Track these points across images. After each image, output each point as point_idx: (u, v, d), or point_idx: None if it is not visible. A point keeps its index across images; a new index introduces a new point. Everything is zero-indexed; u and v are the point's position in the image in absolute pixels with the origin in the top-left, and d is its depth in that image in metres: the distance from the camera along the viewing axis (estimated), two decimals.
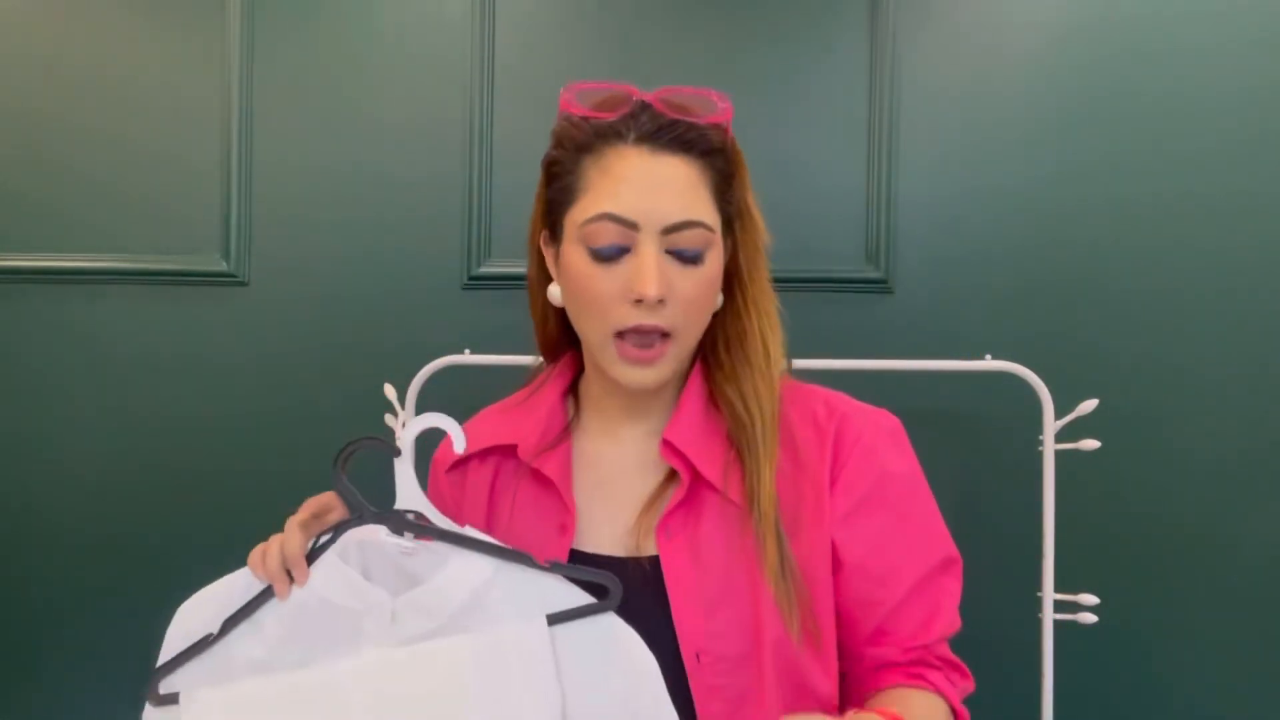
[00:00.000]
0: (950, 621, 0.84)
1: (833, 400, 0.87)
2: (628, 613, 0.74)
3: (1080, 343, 1.58)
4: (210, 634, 0.78)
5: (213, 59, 1.63)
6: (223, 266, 1.62)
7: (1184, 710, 1.59)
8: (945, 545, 0.85)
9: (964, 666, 0.87)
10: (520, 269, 1.60)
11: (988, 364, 1.42)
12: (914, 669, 0.83)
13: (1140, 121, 1.59)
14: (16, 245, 1.63)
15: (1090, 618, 1.38)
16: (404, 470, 0.78)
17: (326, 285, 1.62)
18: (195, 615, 0.80)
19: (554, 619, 0.74)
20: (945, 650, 0.86)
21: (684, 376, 0.87)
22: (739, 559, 0.80)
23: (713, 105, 0.81)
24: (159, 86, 1.63)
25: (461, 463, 0.91)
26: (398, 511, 0.77)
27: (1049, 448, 1.41)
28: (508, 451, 0.88)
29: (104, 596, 1.63)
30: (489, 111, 1.62)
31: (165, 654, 0.80)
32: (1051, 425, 1.40)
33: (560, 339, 0.93)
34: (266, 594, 0.78)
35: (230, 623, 0.78)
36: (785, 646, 0.78)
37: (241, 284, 1.63)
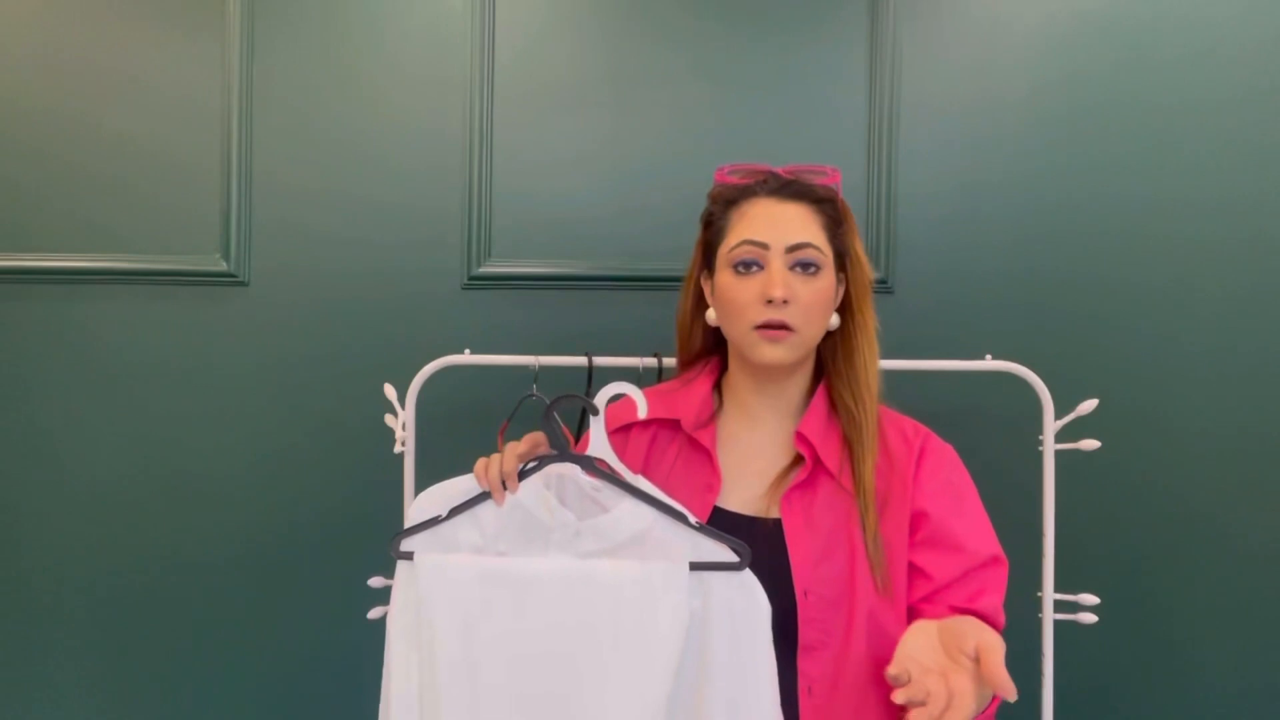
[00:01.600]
0: (994, 605, 1.06)
1: (917, 424, 1.16)
2: (755, 560, 0.98)
3: (1080, 343, 1.58)
4: (439, 515, 1.02)
5: (213, 59, 1.63)
6: (223, 266, 1.62)
7: (1184, 710, 1.59)
8: (996, 546, 1.10)
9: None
10: (520, 269, 1.62)
11: (988, 364, 1.42)
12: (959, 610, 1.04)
13: (1140, 121, 1.59)
14: (16, 245, 1.63)
15: (1090, 618, 1.38)
16: (597, 426, 1.00)
17: (326, 285, 1.62)
18: (431, 500, 1.04)
19: (695, 566, 0.97)
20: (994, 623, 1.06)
21: (813, 385, 1.15)
22: (842, 529, 1.06)
23: (823, 173, 1.12)
24: (159, 86, 1.63)
25: (624, 429, 1.17)
26: (590, 457, 1.00)
27: (1049, 448, 1.41)
28: (665, 423, 1.16)
29: (104, 596, 1.63)
30: (489, 111, 1.62)
31: (408, 523, 1.03)
32: (1051, 425, 1.40)
33: (703, 351, 1.20)
34: (484, 496, 1.01)
35: (455, 510, 1.02)
36: (870, 596, 1.04)
37: (241, 284, 1.63)
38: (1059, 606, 1.41)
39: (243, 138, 1.62)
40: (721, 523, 1.07)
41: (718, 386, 1.19)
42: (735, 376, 1.16)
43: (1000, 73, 1.60)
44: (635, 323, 1.58)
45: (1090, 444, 1.38)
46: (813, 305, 1.07)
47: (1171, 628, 1.58)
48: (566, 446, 1.01)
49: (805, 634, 1.03)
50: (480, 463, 1.03)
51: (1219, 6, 1.58)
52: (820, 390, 1.13)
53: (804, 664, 1.03)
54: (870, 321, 1.13)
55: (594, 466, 1.00)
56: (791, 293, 1.05)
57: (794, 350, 1.07)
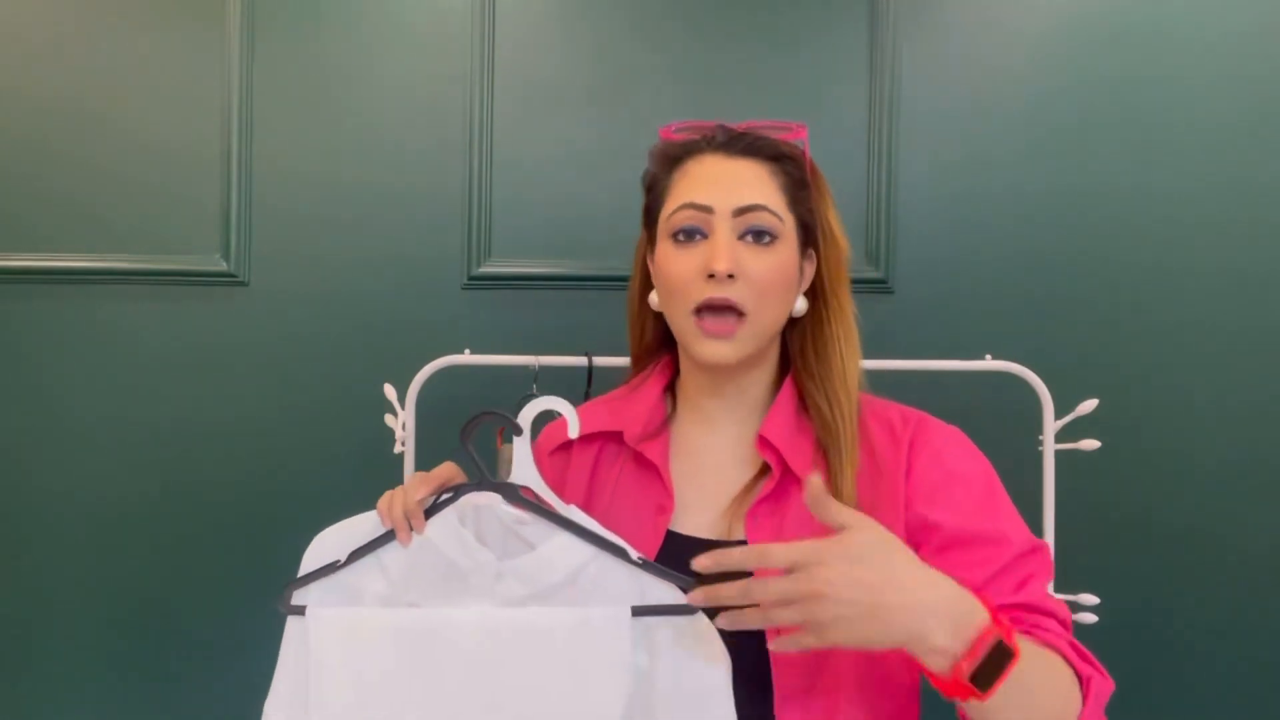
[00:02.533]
0: (1042, 593, 0.86)
1: (906, 410, 0.96)
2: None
3: (1080, 343, 1.58)
4: (337, 561, 0.88)
5: (213, 59, 1.63)
6: (223, 266, 1.62)
7: (1184, 710, 1.59)
8: (1029, 534, 0.89)
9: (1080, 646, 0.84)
10: (519, 269, 1.62)
11: (988, 364, 1.42)
12: (1016, 614, 0.82)
13: (1140, 120, 1.59)
14: (16, 245, 1.63)
15: (1090, 618, 1.38)
16: (521, 448, 0.86)
17: (326, 285, 1.62)
18: (329, 544, 0.89)
19: (638, 611, 0.81)
20: (1054, 612, 0.85)
21: (778, 380, 0.96)
22: None
23: (786, 128, 0.94)
24: (159, 86, 1.63)
25: (566, 446, 1.00)
26: (514, 485, 0.85)
27: (1049, 448, 1.41)
28: (611, 437, 0.98)
29: (104, 596, 1.63)
30: (489, 111, 1.62)
31: (302, 571, 0.89)
32: (1051, 425, 1.40)
33: (656, 347, 1.02)
34: (389, 536, 0.87)
35: (354, 555, 0.87)
36: None
37: (241, 284, 1.63)
38: None
39: (243, 138, 1.62)
40: (676, 550, 0.89)
41: (671, 389, 1.01)
42: (687, 376, 0.98)
43: (1000, 73, 1.60)
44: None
45: (1090, 444, 1.38)
46: (767, 283, 0.88)
47: (1171, 628, 1.58)
48: (485, 475, 0.85)
49: (781, 680, 0.85)
50: (384, 498, 0.87)
51: (1219, 9, 1.58)
52: (786, 385, 0.95)
53: (783, 716, 0.85)
54: (847, 306, 0.95)
55: (518, 496, 0.84)
56: (739, 266, 0.86)
57: (743, 345, 0.89)
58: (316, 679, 0.83)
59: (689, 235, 0.89)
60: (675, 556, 0.87)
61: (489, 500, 0.85)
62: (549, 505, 0.85)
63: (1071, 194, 1.59)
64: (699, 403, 0.97)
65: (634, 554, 0.83)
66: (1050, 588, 0.89)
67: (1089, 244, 1.59)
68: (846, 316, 0.95)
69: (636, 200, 1.62)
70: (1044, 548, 0.89)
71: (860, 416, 0.92)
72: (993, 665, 0.70)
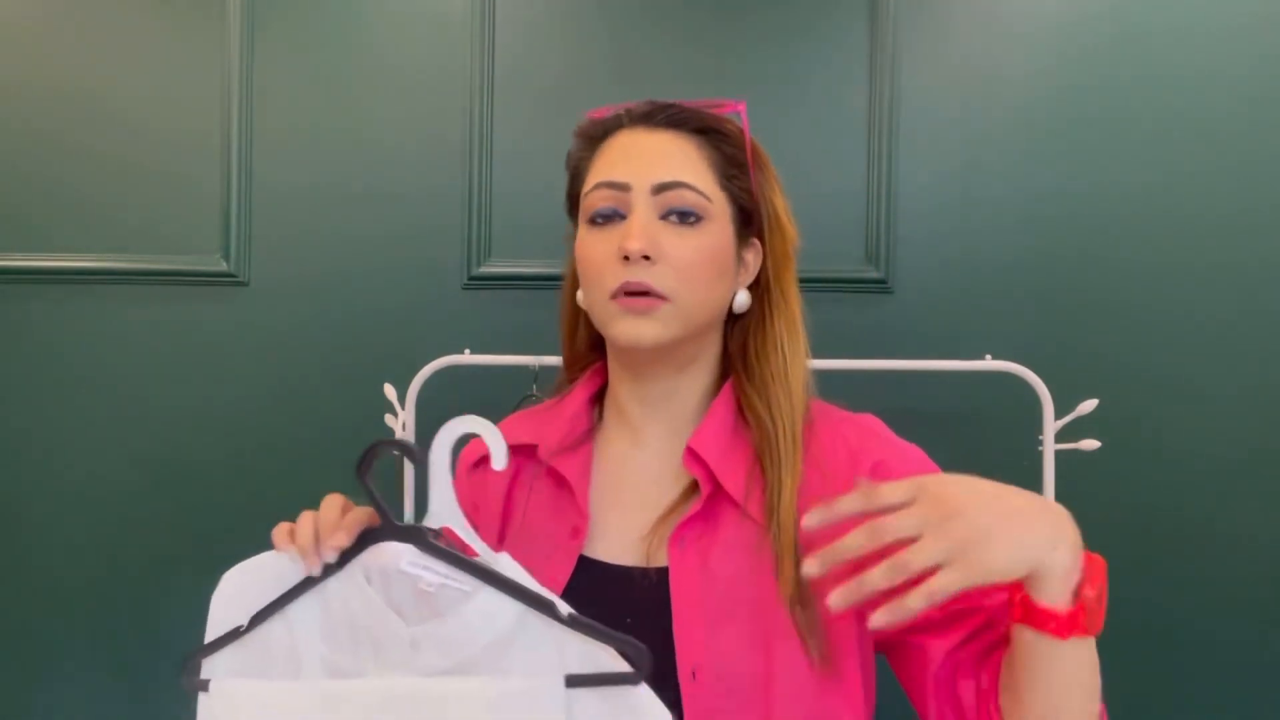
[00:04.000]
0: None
1: (863, 423, 0.85)
2: (628, 629, 0.69)
3: (1080, 343, 1.58)
4: (239, 627, 0.77)
5: (213, 60, 1.63)
6: (223, 266, 1.62)
7: (1184, 710, 1.59)
8: None
9: None
10: (519, 269, 1.62)
11: (988, 364, 1.42)
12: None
13: (1142, 120, 1.59)
14: (17, 245, 1.63)
15: None
16: (438, 478, 0.71)
17: (326, 285, 1.62)
18: (235, 587, 0.80)
19: (573, 681, 0.68)
20: None
21: (716, 389, 0.85)
22: (752, 578, 0.76)
23: (719, 104, 0.85)
24: (159, 87, 1.63)
25: (483, 461, 0.87)
26: (423, 528, 0.70)
27: (1049, 448, 1.41)
28: (529, 452, 0.86)
29: (104, 596, 1.63)
30: (489, 111, 1.62)
31: (210, 623, 0.79)
32: (1051, 425, 1.40)
33: (587, 352, 0.92)
34: (298, 590, 0.75)
35: (258, 618, 0.76)
36: (799, 673, 0.73)
37: (241, 284, 1.63)
38: None
39: (243, 138, 1.62)
40: (588, 579, 0.79)
41: (600, 399, 0.90)
42: (614, 381, 0.87)
43: (1000, 74, 1.60)
44: None
45: (1090, 444, 1.38)
46: (690, 265, 0.78)
47: (1171, 628, 1.58)
48: (388, 516, 0.71)
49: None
50: (281, 527, 0.76)
51: (1219, 8, 1.58)
52: (724, 391, 0.84)
53: None
54: (794, 301, 0.85)
55: (430, 544, 0.70)
56: (656, 247, 0.77)
57: (666, 325, 0.78)
58: None
59: (606, 218, 0.80)
60: (587, 586, 0.78)
61: (392, 559, 0.71)
62: (469, 550, 0.71)
63: (1071, 194, 1.59)
64: (625, 410, 0.86)
65: (563, 609, 0.69)
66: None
67: (1089, 244, 1.59)
68: (791, 311, 0.84)
69: None
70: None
71: (807, 423, 0.82)
72: (1101, 595, 0.63)
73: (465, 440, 0.71)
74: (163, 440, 1.63)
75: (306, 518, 0.74)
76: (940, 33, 1.61)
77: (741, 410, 0.83)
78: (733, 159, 0.83)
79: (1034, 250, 1.59)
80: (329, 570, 0.74)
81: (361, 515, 0.72)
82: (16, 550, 1.63)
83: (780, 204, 0.86)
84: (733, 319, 0.85)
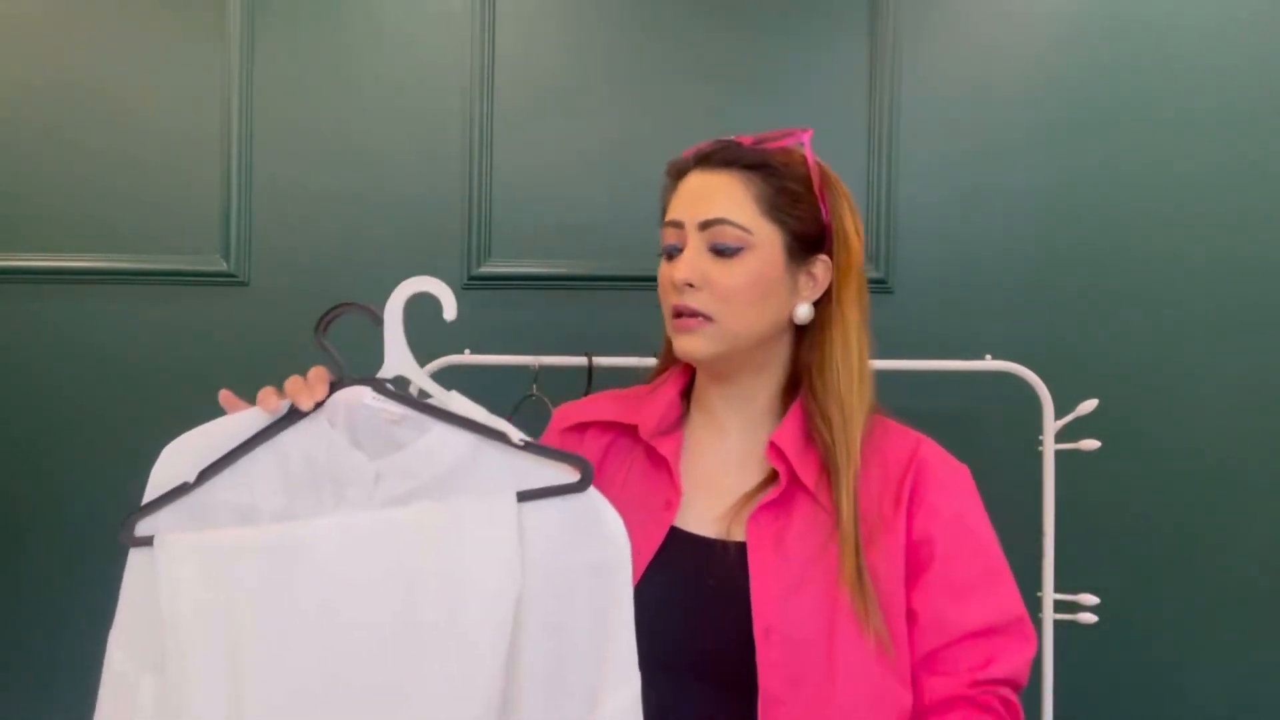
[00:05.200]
0: (1017, 670, 0.89)
1: (924, 439, 0.98)
2: (709, 589, 0.86)
3: (1080, 343, 1.58)
4: (186, 482, 0.80)
5: (213, 59, 1.63)
6: (223, 266, 1.62)
7: (1184, 710, 1.59)
8: (1018, 606, 0.92)
9: None
10: (519, 269, 1.62)
11: (988, 364, 1.42)
12: (981, 701, 0.86)
13: (1142, 120, 1.59)
14: (17, 245, 1.63)
15: (1090, 618, 1.38)
16: (393, 334, 0.82)
17: (326, 285, 1.62)
18: (179, 455, 0.83)
19: (524, 495, 0.76)
20: (1011, 697, 0.89)
21: (789, 388, 0.98)
22: (820, 559, 0.88)
23: (781, 136, 0.96)
24: (159, 87, 1.63)
25: (581, 428, 1.02)
26: (379, 379, 0.80)
27: (1049, 448, 1.41)
28: (625, 430, 1.00)
29: (104, 595, 1.63)
30: (489, 111, 1.62)
31: (149, 494, 0.81)
32: (1051, 425, 1.40)
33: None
34: (250, 445, 0.79)
35: (208, 472, 0.79)
36: (859, 650, 0.85)
37: (241, 284, 1.63)
38: (1059, 606, 1.41)
39: (243, 138, 1.62)
40: (677, 545, 0.91)
41: (688, 393, 1.03)
42: (700, 379, 1.01)
43: (1000, 73, 1.60)
44: (635, 323, 1.58)
45: (1090, 444, 1.38)
46: (730, 290, 0.90)
47: (1171, 628, 1.58)
48: (345, 372, 0.80)
49: (766, 682, 0.83)
50: (266, 389, 0.82)
51: (1220, 6, 1.58)
52: (802, 396, 0.96)
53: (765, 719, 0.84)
54: (852, 314, 0.95)
55: (385, 388, 0.80)
56: (701, 276, 0.90)
57: (713, 342, 0.91)
58: (170, 612, 0.74)
59: (670, 253, 0.94)
60: (675, 552, 0.91)
61: (357, 396, 0.79)
62: (421, 396, 0.80)
63: (1072, 194, 1.59)
64: (710, 405, 0.99)
65: (517, 437, 0.77)
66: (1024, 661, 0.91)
67: (1089, 244, 1.58)
68: (847, 324, 0.94)
69: (636, 200, 1.63)
70: (1023, 623, 0.91)
71: (867, 433, 0.93)
72: None
73: (422, 301, 0.83)
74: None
75: (269, 389, 0.81)
76: (941, 32, 1.61)
77: (811, 416, 0.94)
78: (783, 190, 0.93)
79: (1034, 250, 1.59)
80: (293, 419, 0.78)
81: (324, 370, 0.82)
82: (16, 550, 1.63)
83: (849, 223, 0.96)
84: (802, 329, 0.96)
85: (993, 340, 1.52)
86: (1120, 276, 1.58)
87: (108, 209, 1.63)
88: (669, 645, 0.85)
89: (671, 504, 0.93)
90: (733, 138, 0.95)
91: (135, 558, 0.79)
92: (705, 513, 0.94)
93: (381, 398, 0.80)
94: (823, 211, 0.94)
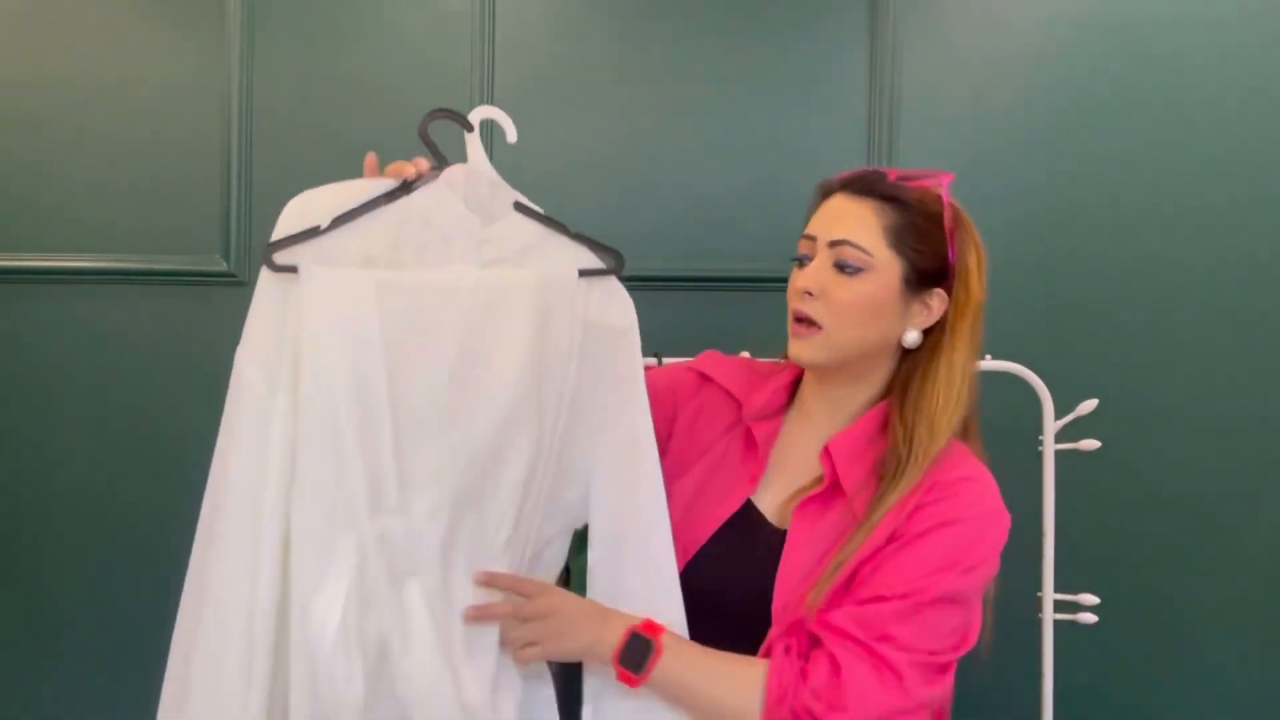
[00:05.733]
0: (840, 685, 0.90)
1: (972, 477, 1.00)
2: (744, 566, 1.00)
3: (1080, 343, 1.58)
4: (319, 225, 0.92)
5: (213, 59, 1.63)
6: (223, 266, 1.62)
7: (1184, 710, 1.59)
8: (942, 588, 0.93)
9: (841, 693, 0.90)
10: None
11: (988, 364, 1.42)
12: (789, 638, 0.95)
13: (1141, 121, 1.59)
14: (16, 245, 1.63)
15: (1090, 618, 1.38)
16: (473, 144, 0.99)
17: None
18: (307, 205, 0.94)
19: (583, 272, 0.98)
20: (843, 648, 0.91)
21: (882, 400, 1.04)
22: (837, 552, 0.97)
23: (924, 176, 1.03)
24: (158, 86, 1.63)
25: (708, 379, 1.15)
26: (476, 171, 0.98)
27: (1049, 448, 1.41)
28: (733, 398, 1.11)
29: (104, 596, 1.63)
30: None
31: (278, 234, 0.92)
32: (1051, 425, 1.40)
33: None
34: (374, 204, 0.94)
35: (340, 220, 0.92)
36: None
37: (241, 284, 1.63)
38: (1059, 606, 1.41)
39: (243, 138, 1.62)
40: (745, 516, 1.04)
41: (798, 383, 1.13)
42: (806, 376, 1.10)
43: (1000, 73, 1.60)
44: (638, 320, 1.58)
45: (1090, 444, 1.38)
46: (846, 306, 0.98)
47: (1171, 627, 1.58)
48: (447, 161, 0.99)
49: (775, 652, 0.96)
50: (372, 157, 1.02)
51: (1218, 8, 1.58)
52: (878, 408, 1.03)
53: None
54: (962, 348, 1.02)
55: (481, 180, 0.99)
56: (821, 287, 0.98)
57: (818, 350, 1.00)
58: (312, 336, 0.88)
59: (801, 260, 1.03)
60: (742, 520, 1.03)
61: (477, 170, 0.98)
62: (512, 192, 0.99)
63: (1071, 194, 1.59)
64: (807, 400, 1.09)
65: (570, 230, 0.99)
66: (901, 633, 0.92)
67: (1089, 244, 1.59)
68: (954, 362, 1.01)
69: (635, 200, 1.63)
70: (940, 605, 0.93)
71: (939, 459, 0.98)
72: (638, 655, 0.93)
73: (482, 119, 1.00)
74: (162, 440, 1.63)
75: (393, 164, 0.98)
76: (940, 32, 1.61)
77: (888, 423, 1.01)
78: (911, 224, 1.00)
79: (1034, 250, 1.59)
80: (415, 186, 0.95)
81: (420, 161, 0.99)
82: (16, 550, 1.63)
83: (972, 264, 1.04)
84: (908, 351, 1.03)
85: (993, 340, 1.52)
86: (1120, 276, 1.58)
87: (108, 209, 1.63)
88: (707, 599, 0.99)
89: (755, 478, 1.05)
90: (881, 169, 1.04)
91: (269, 285, 0.92)
92: (778, 494, 1.05)
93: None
94: (950, 250, 1.01)
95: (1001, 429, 1.53)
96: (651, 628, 0.95)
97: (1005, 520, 1.00)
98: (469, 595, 0.93)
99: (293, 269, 0.90)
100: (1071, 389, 1.43)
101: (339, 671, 0.87)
